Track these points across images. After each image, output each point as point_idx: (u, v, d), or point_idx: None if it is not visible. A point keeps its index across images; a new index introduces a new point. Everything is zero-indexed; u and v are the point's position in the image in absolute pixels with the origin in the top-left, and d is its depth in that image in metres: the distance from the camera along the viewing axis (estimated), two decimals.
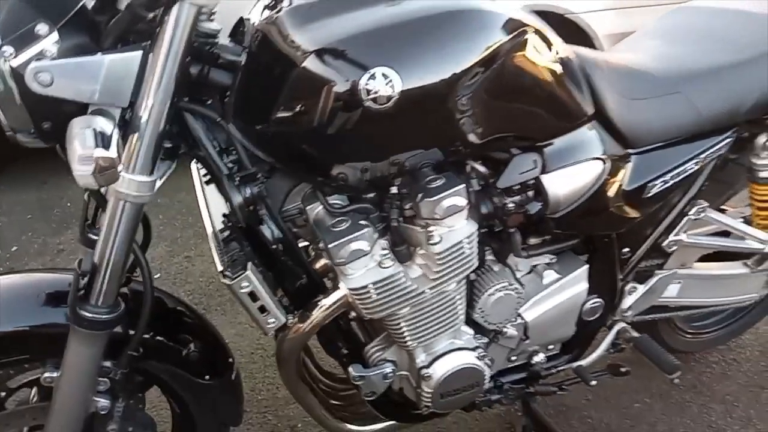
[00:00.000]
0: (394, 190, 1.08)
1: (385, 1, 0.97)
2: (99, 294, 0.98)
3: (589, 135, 1.22)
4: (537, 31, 1.09)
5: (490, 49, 1.00)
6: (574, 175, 1.19)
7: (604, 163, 1.22)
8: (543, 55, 1.09)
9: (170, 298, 1.24)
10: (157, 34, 0.85)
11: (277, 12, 0.97)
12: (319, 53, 0.90)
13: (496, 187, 1.15)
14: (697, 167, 1.32)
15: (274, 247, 1.07)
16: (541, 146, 1.17)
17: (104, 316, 0.99)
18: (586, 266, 1.35)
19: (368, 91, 0.89)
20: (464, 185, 1.05)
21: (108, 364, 1.08)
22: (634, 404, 1.87)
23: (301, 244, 1.16)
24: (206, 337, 1.25)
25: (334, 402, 1.37)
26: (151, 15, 0.84)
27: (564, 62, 1.16)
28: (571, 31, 3.12)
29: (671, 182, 1.29)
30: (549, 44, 1.12)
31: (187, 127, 1.00)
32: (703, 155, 1.31)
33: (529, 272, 1.36)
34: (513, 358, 1.40)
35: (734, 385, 1.93)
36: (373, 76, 0.88)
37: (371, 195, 1.10)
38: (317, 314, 1.10)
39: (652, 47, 1.42)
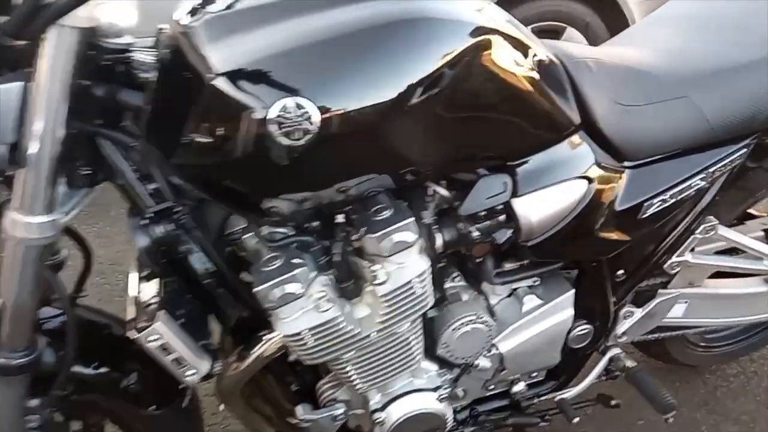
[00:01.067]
0: (340, 219, 0.96)
1: (316, 11, 0.83)
2: (9, 338, 0.90)
3: (572, 150, 1.06)
4: (505, 35, 0.93)
5: (440, 63, 0.84)
6: (552, 198, 1.04)
7: (590, 182, 1.06)
8: (512, 63, 0.93)
9: (107, 320, 1.15)
10: (36, 63, 0.74)
11: (193, 21, 0.84)
12: (229, 76, 0.76)
13: (458, 214, 1.01)
14: (704, 183, 1.14)
15: (207, 281, 0.97)
16: (513, 166, 1.02)
17: (17, 361, 0.91)
18: (572, 291, 1.20)
19: (279, 124, 0.76)
20: (413, 219, 0.91)
21: (36, 402, 1.02)
22: (638, 421, 1.73)
23: None
24: (151, 362, 1.18)
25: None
26: (22, 43, 0.73)
27: (542, 68, 0.99)
28: None
29: (673, 200, 1.12)
30: (522, 48, 0.96)
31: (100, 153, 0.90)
32: (712, 168, 1.13)
33: (509, 296, 1.23)
34: (491, 387, 1.28)
35: (752, 402, 1.76)
36: (284, 108, 0.75)
37: (316, 224, 0.98)
38: (258, 352, 1.01)
39: (656, 41, 1.22)
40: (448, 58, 0.84)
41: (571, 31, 3.00)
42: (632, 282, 1.26)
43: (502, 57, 0.91)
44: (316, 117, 0.76)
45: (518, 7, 2.90)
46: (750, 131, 1.14)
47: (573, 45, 1.18)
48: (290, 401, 1.11)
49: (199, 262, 0.96)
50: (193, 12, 0.87)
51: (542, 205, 1.03)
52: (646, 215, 1.12)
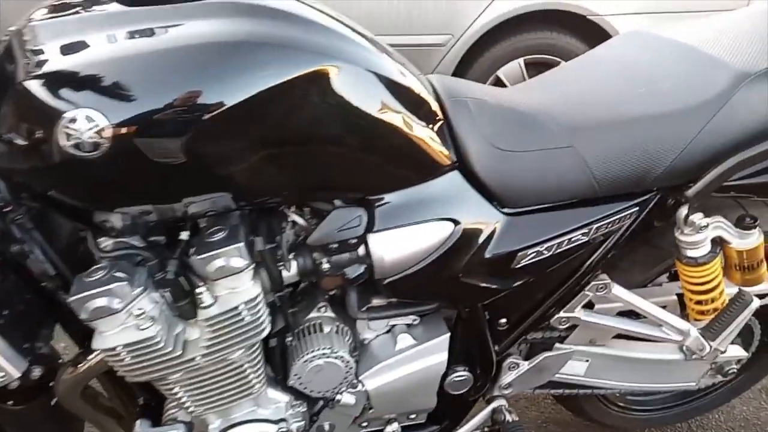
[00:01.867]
0: (184, 236, 0.95)
1: (149, 22, 0.82)
2: None
3: (442, 191, 1.02)
4: (361, 67, 0.90)
5: (259, 89, 0.81)
6: (410, 237, 1.00)
7: (456, 225, 1.02)
8: (363, 95, 0.90)
9: None
10: None
11: (30, 22, 0.84)
12: (35, 80, 0.76)
13: (306, 244, 0.99)
14: (586, 238, 1.09)
15: (46, 283, 0.97)
16: (372, 200, 1.00)
17: None
18: (447, 335, 1.16)
19: (68, 135, 0.74)
20: (242, 244, 0.89)
21: None
22: None
23: None
24: None
25: None
26: None
27: (408, 104, 0.96)
28: (593, 33, 2.80)
29: (549, 254, 1.07)
30: (386, 82, 0.93)
31: None
32: (596, 225, 1.08)
33: (387, 332, 1.19)
34: (363, 424, 1.24)
35: None
36: (73, 119, 0.74)
37: (161, 238, 0.97)
38: (90, 362, 1.00)
39: (562, 85, 1.17)
40: (270, 84, 0.82)
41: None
42: (517, 333, 1.21)
43: (349, 88, 0.88)
44: (108, 131, 0.75)
45: (509, 39, 2.87)
46: (643, 188, 1.08)
47: (466, 83, 1.14)
48: (134, 414, 1.09)
49: (37, 263, 0.95)
50: (48, 11, 0.88)
51: (399, 244, 1.00)
52: (520, 266, 1.07)
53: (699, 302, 1.22)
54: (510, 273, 1.08)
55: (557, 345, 1.29)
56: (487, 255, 1.05)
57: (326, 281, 1.01)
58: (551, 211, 1.07)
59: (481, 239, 1.04)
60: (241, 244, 0.89)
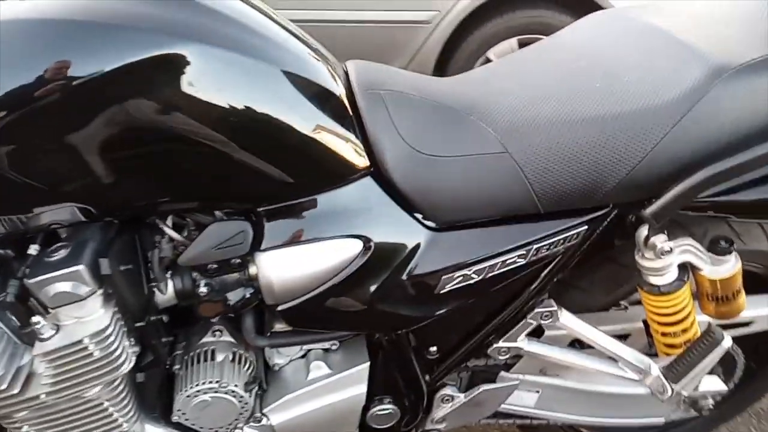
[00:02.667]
0: (32, 250, 0.80)
1: None
2: None
3: (349, 201, 0.86)
4: (226, 49, 0.73)
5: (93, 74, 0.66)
6: (308, 257, 0.84)
7: (366, 242, 0.86)
8: (230, 87, 0.73)
9: None
10: None
11: None
12: None
13: (177, 264, 0.83)
14: (524, 261, 0.92)
15: None
16: (261, 213, 0.84)
17: None
18: (366, 365, 1.00)
19: None
20: (82, 266, 0.73)
21: None
22: None
23: None
24: None
25: None
26: None
27: (299, 94, 0.80)
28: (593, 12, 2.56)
29: (479, 277, 0.90)
30: (262, 68, 0.76)
31: None
32: (536, 245, 0.90)
33: (302, 356, 1.04)
34: None
35: None
36: None
37: (6, 251, 0.82)
38: None
39: (507, 77, 0.99)
40: (105, 69, 0.66)
41: None
42: (450, 362, 1.05)
43: (210, 78, 0.72)
44: None
45: (502, 16, 2.65)
46: (593, 204, 0.90)
47: (391, 72, 0.96)
48: None
49: None
50: None
51: (293, 265, 0.84)
52: (446, 291, 0.91)
53: (666, 334, 1.05)
54: (434, 299, 0.91)
55: (503, 374, 1.13)
56: (405, 279, 0.88)
57: (204, 308, 0.85)
58: (483, 228, 0.90)
59: (397, 260, 0.88)
60: (81, 267, 0.74)
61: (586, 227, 0.91)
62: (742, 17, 0.99)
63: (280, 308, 0.86)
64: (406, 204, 0.88)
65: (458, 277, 0.90)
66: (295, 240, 0.84)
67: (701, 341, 0.98)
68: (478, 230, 0.89)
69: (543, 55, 1.05)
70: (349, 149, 0.85)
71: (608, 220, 0.92)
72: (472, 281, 0.90)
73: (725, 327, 1.22)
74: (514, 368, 1.12)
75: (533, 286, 0.96)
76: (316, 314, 0.88)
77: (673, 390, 1.02)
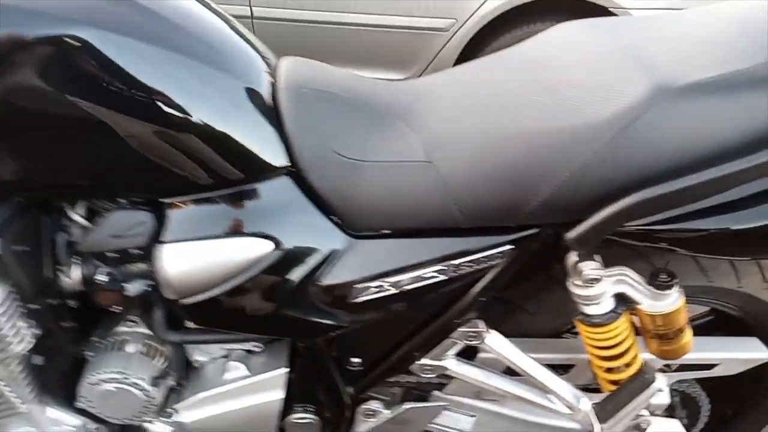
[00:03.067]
0: None
1: None
2: None
3: (262, 200, 0.83)
4: (120, 34, 0.71)
5: None
6: (212, 254, 0.82)
7: (277, 244, 0.83)
8: (120, 74, 0.71)
9: None
10: None
11: None
12: None
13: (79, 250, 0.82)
14: (444, 277, 0.87)
15: None
16: (165, 204, 0.82)
17: None
18: (284, 370, 0.97)
19: None
20: None
21: None
22: None
23: None
24: None
25: None
26: None
27: (211, 86, 0.77)
28: None
29: (396, 290, 0.86)
30: (166, 54, 0.74)
31: None
32: (456, 262, 0.86)
33: (225, 356, 1.02)
34: None
35: None
36: None
37: None
38: None
39: (451, 84, 0.93)
40: None
41: None
42: (374, 376, 1.00)
43: (103, 64, 0.70)
44: None
45: (521, 28, 2.59)
46: (518, 222, 0.84)
47: (326, 71, 0.92)
48: None
49: None
50: None
51: (195, 260, 0.81)
52: (360, 301, 0.87)
53: (608, 369, 0.98)
54: (348, 309, 0.87)
55: (434, 394, 1.08)
56: (317, 285, 0.85)
57: (103, 296, 0.84)
58: (402, 239, 0.85)
59: (310, 265, 0.84)
60: None
61: (512, 246, 0.85)
62: (727, 29, 0.91)
63: (181, 303, 0.84)
64: (324, 208, 0.84)
65: (373, 287, 0.86)
66: (199, 235, 0.81)
67: (632, 380, 0.91)
68: (397, 240, 0.85)
69: (498, 64, 1.00)
70: (265, 147, 0.82)
71: (537, 241, 0.87)
72: (388, 293, 0.86)
73: (686, 369, 1.14)
74: (446, 389, 1.06)
75: (457, 304, 0.91)
76: (221, 313, 0.85)
77: (600, 429, 0.95)
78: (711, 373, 1.12)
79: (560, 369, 1.07)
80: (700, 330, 1.07)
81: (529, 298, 1.09)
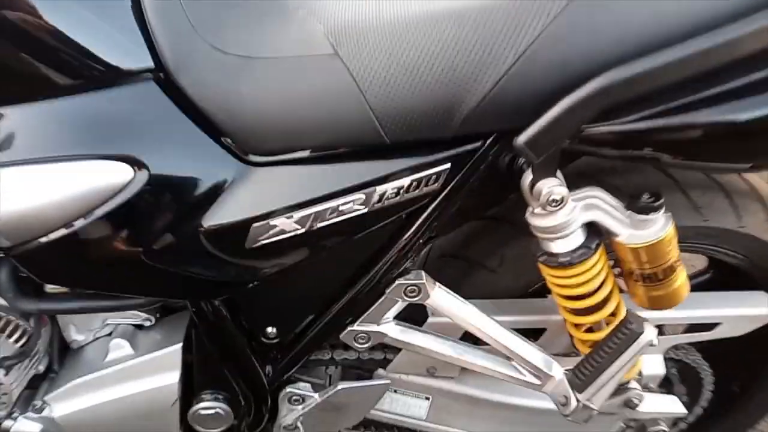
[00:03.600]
0: None
1: None
2: None
3: (116, 110, 0.63)
4: None
5: None
6: (47, 183, 0.61)
7: (139, 168, 0.62)
8: None
9: None
10: None
11: None
12: None
13: None
14: (365, 209, 0.68)
15: None
16: None
17: None
18: (177, 347, 0.77)
19: None
20: None
21: None
22: None
23: None
24: None
25: None
26: None
27: None
28: None
29: (303, 229, 0.67)
30: None
31: None
32: (378, 188, 0.66)
33: (109, 334, 0.82)
34: None
35: None
36: None
37: None
38: None
39: None
40: None
41: None
42: (298, 350, 0.80)
43: None
44: None
45: None
46: (454, 133, 0.63)
47: None
48: None
49: None
50: None
51: (25, 190, 0.61)
52: (259, 245, 0.67)
53: (587, 328, 0.78)
54: (244, 256, 0.67)
55: (379, 373, 0.89)
56: (198, 225, 0.65)
57: None
58: (308, 164, 0.67)
59: (186, 198, 0.64)
60: None
61: (448, 166, 0.66)
62: None
63: (13, 253, 0.64)
64: (205, 123, 0.65)
65: (274, 227, 0.66)
66: (33, 157, 0.62)
67: (614, 334, 0.71)
68: (303, 165, 0.66)
69: None
70: (117, 43, 0.63)
71: (484, 158, 0.68)
72: (294, 233, 0.66)
73: (682, 330, 0.96)
74: (391, 365, 0.87)
75: (390, 249, 0.72)
76: (71, 265, 0.65)
77: (578, 401, 0.75)
78: (712, 335, 0.92)
79: (529, 336, 0.88)
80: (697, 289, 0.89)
81: (489, 252, 0.90)
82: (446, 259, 0.94)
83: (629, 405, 0.87)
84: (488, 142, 0.66)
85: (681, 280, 0.72)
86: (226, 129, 0.65)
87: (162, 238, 0.65)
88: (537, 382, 0.77)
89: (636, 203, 0.68)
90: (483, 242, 0.91)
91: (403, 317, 0.80)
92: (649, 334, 0.70)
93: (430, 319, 0.83)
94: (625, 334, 0.70)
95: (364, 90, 0.62)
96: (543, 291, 0.90)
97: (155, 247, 0.66)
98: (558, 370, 0.76)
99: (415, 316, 0.83)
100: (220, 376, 0.80)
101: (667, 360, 0.98)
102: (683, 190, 0.86)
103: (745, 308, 0.91)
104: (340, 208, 0.66)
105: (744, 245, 0.90)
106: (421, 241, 0.72)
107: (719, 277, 1.00)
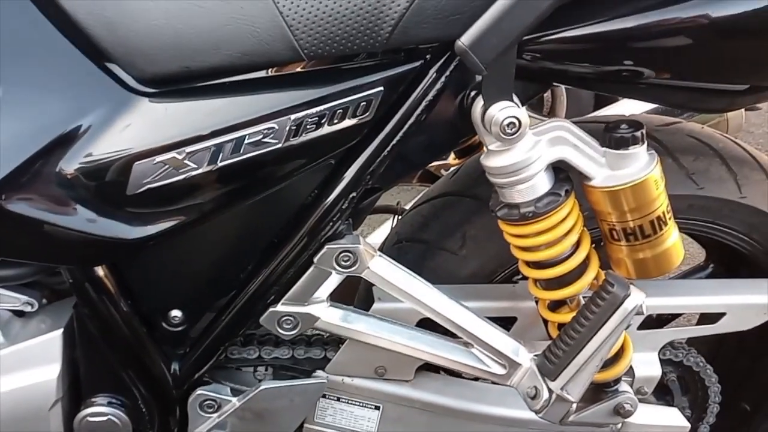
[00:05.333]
0: None
1: None
2: None
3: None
4: None
5: None
6: None
7: None
8: None
9: None
10: None
11: None
12: None
13: None
14: (279, 142, 0.54)
15: None
16: None
17: None
18: (58, 333, 0.63)
19: None
20: None
21: None
22: None
23: None
24: None
25: None
26: None
27: None
28: None
29: (201, 168, 0.54)
30: None
31: None
32: (293, 116, 0.52)
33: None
34: None
35: None
36: None
37: None
38: None
39: None
40: None
41: None
42: (210, 342, 0.65)
43: None
44: None
45: None
46: (384, 48, 0.51)
47: None
48: None
49: None
50: None
51: None
52: (142, 191, 0.54)
53: (559, 303, 0.64)
54: (123, 205, 0.55)
55: (318, 374, 0.73)
56: (67, 166, 0.52)
57: None
58: (210, 94, 0.54)
59: (52, 133, 0.52)
60: None
61: (379, 89, 0.54)
62: None
63: None
64: (86, 43, 0.53)
65: (163, 165, 0.53)
66: None
67: (590, 304, 0.56)
68: (203, 95, 0.53)
69: None
70: None
71: (420, 79, 0.55)
72: (188, 175, 0.54)
73: (680, 322, 0.82)
74: (330, 365, 0.71)
75: (315, 201, 0.59)
76: None
77: (550, 391, 0.60)
78: (716, 328, 0.78)
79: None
80: None
81: (449, 233, 0.77)
82: (402, 245, 0.81)
83: (620, 412, 0.72)
84: (427, 58, 0.54)
85: (672, 238, 0.59)
86: (107, 48, 0.53)
87: (18, 181, 0.52)
88: (501, 371, 0.61)
89: (612, 134, 0.55)
90: (442, 221, 0.78)
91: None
92: (636, 297, 0.55)
93: (376, 305, 0.69)
94: (605, 299, 0.55)
95: (283, 11, 0.51)
96: (513, 277, 0.77)
97: (13, 191, 0.53)
98: (525, 356, 0.60)
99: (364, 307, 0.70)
100: (112, 375, 0.65)
101: (665, 362, 0.83)
102: (672, 155, 0.74)
103: (752, 295, 0.78)
104: (247, 141, 0.54)
105: (745, 221, 0.77)
106: (355, 194, 0.59)
107: (720, 270, 0.87)
